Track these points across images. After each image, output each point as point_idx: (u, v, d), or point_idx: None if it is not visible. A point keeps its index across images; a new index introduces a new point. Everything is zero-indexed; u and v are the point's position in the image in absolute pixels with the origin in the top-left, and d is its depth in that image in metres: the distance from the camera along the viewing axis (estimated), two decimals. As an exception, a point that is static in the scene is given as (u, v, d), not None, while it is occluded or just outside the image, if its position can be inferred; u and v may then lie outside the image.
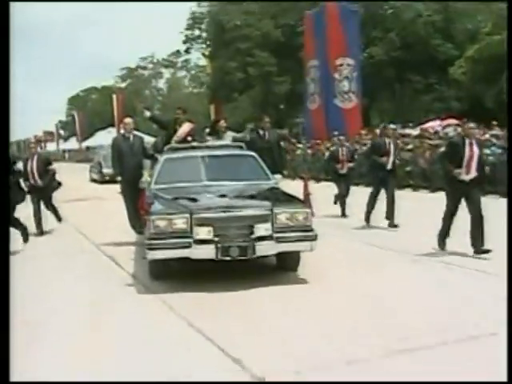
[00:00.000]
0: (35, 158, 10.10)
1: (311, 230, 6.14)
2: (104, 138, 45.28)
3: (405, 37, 32.69)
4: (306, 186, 6.99)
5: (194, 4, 42.57)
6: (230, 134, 9.31)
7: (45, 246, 9.05)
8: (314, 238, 6.10)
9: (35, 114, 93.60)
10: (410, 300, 5.44)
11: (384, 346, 4.16)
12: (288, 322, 4.87)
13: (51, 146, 49.97)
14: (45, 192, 10.22)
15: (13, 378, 3.41)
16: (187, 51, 46.04)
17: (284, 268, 6.64)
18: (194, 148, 7.99)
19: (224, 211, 6.01)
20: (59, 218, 10.67)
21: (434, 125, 23.60)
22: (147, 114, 9.42)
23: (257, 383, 3.66)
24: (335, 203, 11.78)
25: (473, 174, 7.34)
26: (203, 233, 5.92)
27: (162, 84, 72.80)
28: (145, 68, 71.49)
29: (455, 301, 5.39)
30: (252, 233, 5.96)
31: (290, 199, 6.60)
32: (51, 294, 6.05)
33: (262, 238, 5.96)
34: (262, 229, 5.96)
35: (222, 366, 3.95)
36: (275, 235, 6.00)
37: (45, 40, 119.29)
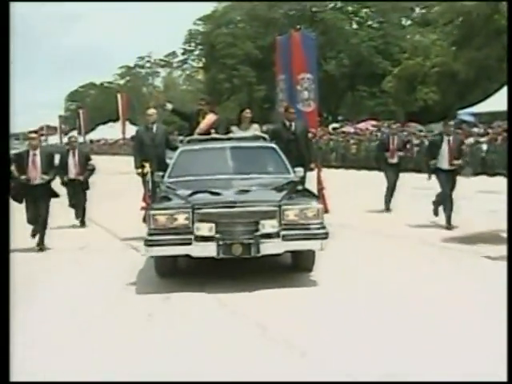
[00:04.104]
0: (76, 152, 10.04)
1: (322, 228, 5.82)
2: (106, 132, 51.55)
3: (352, 56, 42.36)
4: (319, 179, 6.32)
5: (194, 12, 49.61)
6: (256, 127, 8.77)
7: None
8: (325, 237, 5.77)
9: (32, 109, 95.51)
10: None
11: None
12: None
13: (52, 140, 51.34)
14: (80, 187, 10.09)
15: (13, 378, 3.36)
16: (185, 62, 55.23)
17: (298, 268, 6.34)
18: (213, 140, 7.75)
19: (228, 206, 5.76)
20: (83, 222, 10.20)
21: (361, 124, 33.01)
22: (169, 106, 9.32)
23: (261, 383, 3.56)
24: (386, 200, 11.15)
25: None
26: (204, 229, 5.66)
27: (158, 82, 74.82)
28: (142, 67, 73.78)
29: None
30: (257, 230, 5.68)
31: (302, 194, 6.34)
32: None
33: (267, 236, 5.69)
34: (268, 225, 5.69)
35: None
36: (282, 233, 5.71)
37: (35, 34, 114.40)
